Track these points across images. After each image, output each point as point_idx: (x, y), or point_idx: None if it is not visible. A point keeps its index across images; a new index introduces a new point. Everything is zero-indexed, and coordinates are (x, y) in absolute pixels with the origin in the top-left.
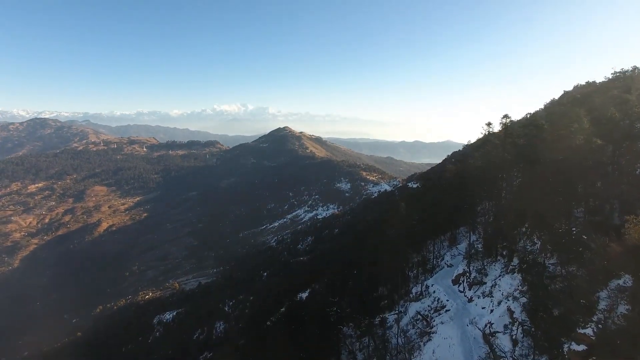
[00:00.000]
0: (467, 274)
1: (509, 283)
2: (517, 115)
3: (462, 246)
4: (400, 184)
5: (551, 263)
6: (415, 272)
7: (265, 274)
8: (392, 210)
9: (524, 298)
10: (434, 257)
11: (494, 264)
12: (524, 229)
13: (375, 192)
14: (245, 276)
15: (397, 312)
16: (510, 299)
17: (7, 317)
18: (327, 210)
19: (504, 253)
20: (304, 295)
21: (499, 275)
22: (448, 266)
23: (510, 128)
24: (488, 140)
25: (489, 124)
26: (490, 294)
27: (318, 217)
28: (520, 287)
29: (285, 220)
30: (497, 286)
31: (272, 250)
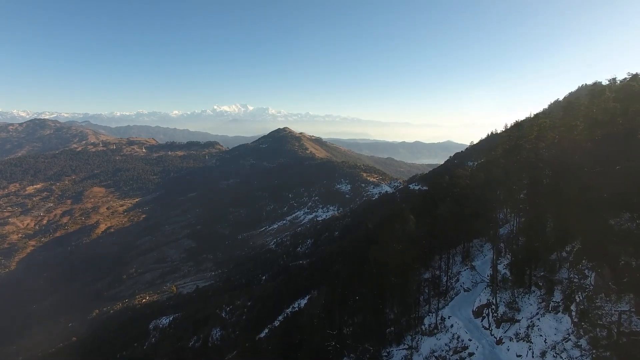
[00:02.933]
0: (493, 306)
1: (553, 326)
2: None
3: (478, 263)
4: (402, 186)
5: (622, 311)
6: (426, 293)
7: (264, 277)
8: (398, 222)
9: (587, 359)
10: (447, 276)
11: (526, 295)
12: (564, 254)
13: (376, 193)
14: (243, 279)
15: (406, 346)
16: (562, 355)
17: (2, 320)
18: (327, 212)
19: (540, 283)
20: (303, 302)
21: (537, 313)
22: (465, 290)
23: (543, 129)
24: (518, 144)
25: (517, 126)
26: (528, 338)
27: (318, 218)
28: (573, 337)
29: (284, 222)
30: (535, 328)
31: (271, 253)
